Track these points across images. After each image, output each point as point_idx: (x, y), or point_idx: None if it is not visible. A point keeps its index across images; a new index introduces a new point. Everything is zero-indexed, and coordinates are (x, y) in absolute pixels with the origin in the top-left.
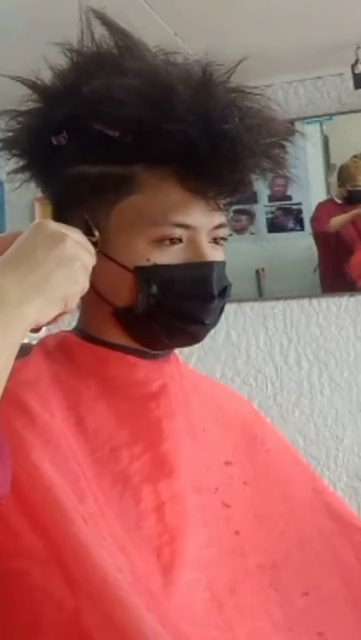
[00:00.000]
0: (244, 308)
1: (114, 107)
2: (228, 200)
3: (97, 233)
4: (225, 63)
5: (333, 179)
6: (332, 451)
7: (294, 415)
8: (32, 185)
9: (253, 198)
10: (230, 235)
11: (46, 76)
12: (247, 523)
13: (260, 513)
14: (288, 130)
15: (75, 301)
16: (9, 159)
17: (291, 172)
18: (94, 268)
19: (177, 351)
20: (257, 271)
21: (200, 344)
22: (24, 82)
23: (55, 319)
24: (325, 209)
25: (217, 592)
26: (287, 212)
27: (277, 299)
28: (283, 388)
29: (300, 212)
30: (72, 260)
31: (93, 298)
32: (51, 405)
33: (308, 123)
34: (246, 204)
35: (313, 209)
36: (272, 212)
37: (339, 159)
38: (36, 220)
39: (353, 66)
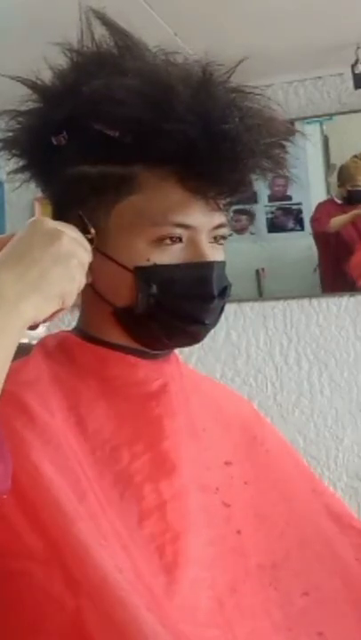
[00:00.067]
0: (244, 308)
1: (114, 107)
2: (228, 200)
3: (92, 230)
4: (225, 63)
5: (333, 179)
6: (332, 451)
7: (294, 415)
8: (32, 185)
9: (253, 198)
10: (230, 235)
11: (46, 76)
12: (247, 523)
13: (261, 513)
14: (288, 130)
15: (72, 298)
16: (9, 159)
17: (291, 172)
18: (94, 268)
19: (177, 351)
20: (257, 271)
21: (200, 344)
22: (24, 82)
23: (52, 316)
24: (325, 209)
25: (219, 591)
26: (287, 212)
27: (277, 299)
28: (283, 388)
29: (300, 212)
30: (68, 257)
31: (93, 298)
32: (51, 405)
33: (308, 123)
34: (246, 204)
35: (313, 209)
36: (272, 212)
37: (339, 159)
38: (33, 218)
39: (353, 66)
